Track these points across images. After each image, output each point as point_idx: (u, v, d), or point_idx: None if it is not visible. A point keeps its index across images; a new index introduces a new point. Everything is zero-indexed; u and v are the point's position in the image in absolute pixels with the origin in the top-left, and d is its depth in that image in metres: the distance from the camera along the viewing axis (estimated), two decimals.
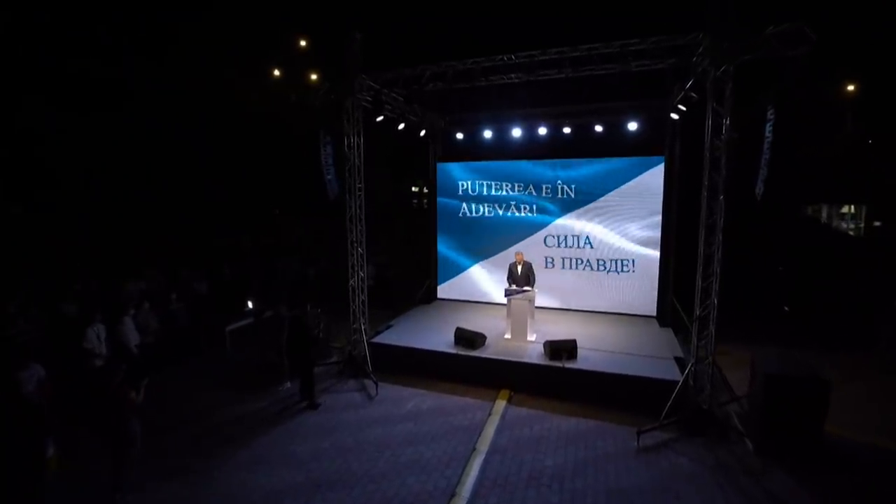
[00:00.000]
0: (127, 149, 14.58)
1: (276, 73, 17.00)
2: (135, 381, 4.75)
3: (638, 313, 9.43)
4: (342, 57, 7.29)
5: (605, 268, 9.69)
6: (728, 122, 5.62)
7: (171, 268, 11.14)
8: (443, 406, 6.62)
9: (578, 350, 7.15)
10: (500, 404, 6.58)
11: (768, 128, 5.71)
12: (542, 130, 9.41)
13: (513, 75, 6.86)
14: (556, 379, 6.81)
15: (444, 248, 11.17)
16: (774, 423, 5.27)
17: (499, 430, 5.89)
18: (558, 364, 6.85)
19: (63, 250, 12.05)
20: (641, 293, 9.45)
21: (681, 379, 6.08)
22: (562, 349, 6.97)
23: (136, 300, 7.93)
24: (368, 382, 7.29)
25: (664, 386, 6.14)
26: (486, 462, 5.22)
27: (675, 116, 8.08)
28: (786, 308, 7.74)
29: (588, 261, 9.81)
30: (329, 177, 8.10)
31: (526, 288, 8.02)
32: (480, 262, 10.76)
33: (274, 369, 7.44)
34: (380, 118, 8.18)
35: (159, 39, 14.14)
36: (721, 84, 5.57)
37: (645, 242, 9.33)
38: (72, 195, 13.68)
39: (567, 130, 9.25)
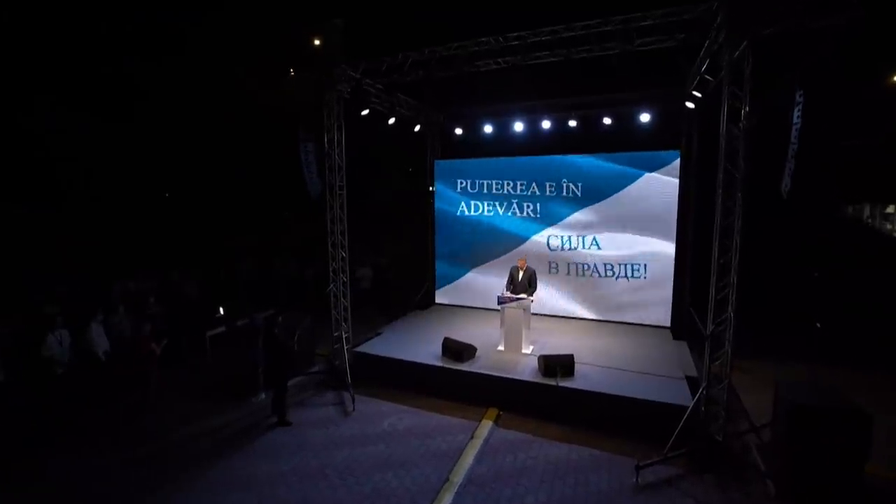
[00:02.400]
0: (131, 149, 14.54)
1: (290, 70, 16.67)
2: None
3: (649, 324, 8.58)
4: (321, 45, 6.77)
5: (614, 272, 8.87)
6: (748, 107, 4.80)
7: (164, 269, 10.87)
8: (422, 425, 6.00)
9: (577, 366, 6.43)
10: (486, 425, 5.92)
11: (796, 113, 4.88)
12: (547, 124, 8.78)
13: (502, 60, 6.18)
14: (549, 399, 6.08)
15: (442, 250, 10.55)
16: (802, 460, 4.43)
17: (479, 458, 5.24)
18: (552, 382, 6.14)
19: (63, 251, 12.00)
20: (654, 301, 8.59)
21: (691, 404, 5.29)
22: (556, 365, 6.24)
23: (107, 304, 7.60)
24: (347, 396, 6.75)
25: (671, 411, 5.36)
26: (457, 496, 4.59)
27: (690, 105, 7.27)
28: (818, 325, 6.78)
29: (595, 265, 9.01)
30: (311, 175, 7.67)
31: (521, 295, 7.30)
32: (481, 266, 10.09)
33: (250, 379, 7.02)
34: (365, 111, 7.67)
35: (160, 37, 14.01)
36: (739, 64, 4.77)
37: (658, 245, 8.46)
38: (74, 195, 13.69)
39: (573, 124, 8.59)
